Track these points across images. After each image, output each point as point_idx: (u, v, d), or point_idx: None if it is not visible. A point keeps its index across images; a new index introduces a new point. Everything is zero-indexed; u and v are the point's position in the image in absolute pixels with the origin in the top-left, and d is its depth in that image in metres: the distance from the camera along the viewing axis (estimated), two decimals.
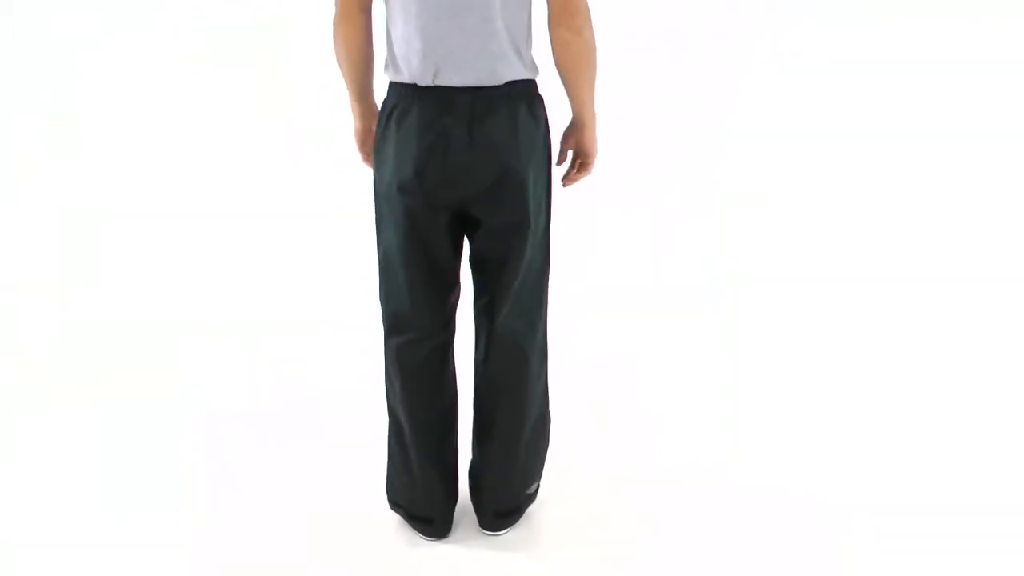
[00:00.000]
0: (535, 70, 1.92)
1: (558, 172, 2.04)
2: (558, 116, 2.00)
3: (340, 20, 1.91)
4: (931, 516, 1.92)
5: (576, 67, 1.91)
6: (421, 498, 2.05)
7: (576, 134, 2.00)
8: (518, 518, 2.15)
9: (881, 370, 2.35)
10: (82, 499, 1.71)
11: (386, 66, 1.89)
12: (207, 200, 2.56)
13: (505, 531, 2.12)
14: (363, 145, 2.04)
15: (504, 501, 2.11)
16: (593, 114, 2.01)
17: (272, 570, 1.69)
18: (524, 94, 1.90)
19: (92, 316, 2.17)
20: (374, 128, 1.98)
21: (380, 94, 1.92)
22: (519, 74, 1.89)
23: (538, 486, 2.18)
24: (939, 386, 2.29)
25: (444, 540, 2.05)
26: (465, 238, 1.98)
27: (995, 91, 3.95)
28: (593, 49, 1.92)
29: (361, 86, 1.97)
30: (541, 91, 1.91)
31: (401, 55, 1.87)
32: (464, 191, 1.86)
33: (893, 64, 4.29)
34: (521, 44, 1.91)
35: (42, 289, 2.24)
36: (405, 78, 1.86)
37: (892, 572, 1.79)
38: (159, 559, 1.62)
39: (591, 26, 1.91)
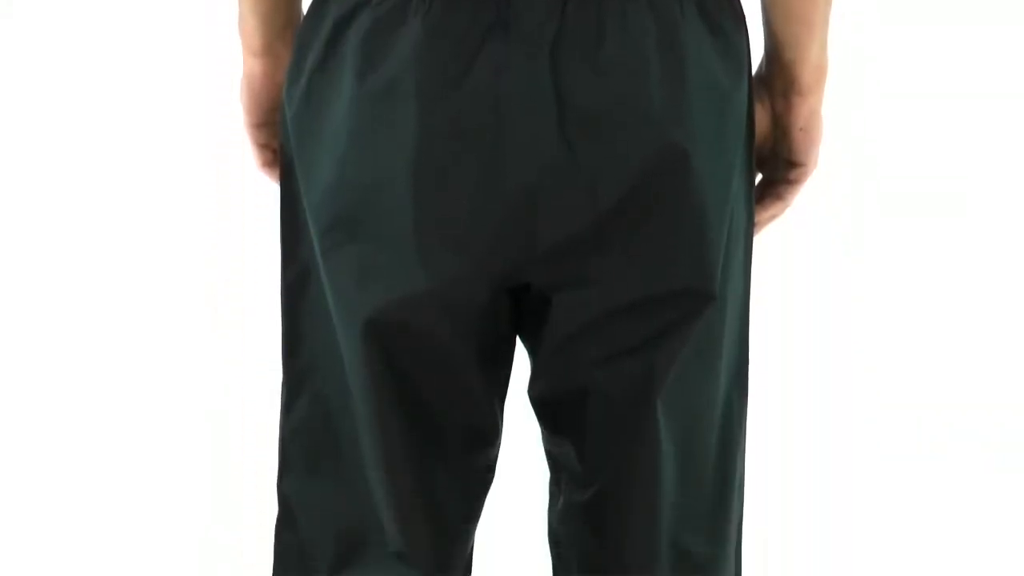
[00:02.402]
0: None
1: None
2: None
3: None
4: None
5: None
6: None
7: (781, 102, 0.94)
8: None
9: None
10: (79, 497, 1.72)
11: None
12: (205, 198, 2.56)
13: None
14: (256, 113, 1.05)
15: None
16: (825, 63, 0.93)
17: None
18: None
19: (90, 313, 2.16)
20: (281, 77, 0.94)
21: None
22: None
23: None
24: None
25: None
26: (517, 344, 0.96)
27: None
28: None
29: None
30: None
31: None
32: (545, 232, 0.84)
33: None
34: None
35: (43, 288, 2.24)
36: None
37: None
38: (154, 561, 1.62)
39: None
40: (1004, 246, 1.86)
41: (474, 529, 1.00)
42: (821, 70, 0.93)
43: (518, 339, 0.95)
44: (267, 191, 1.48)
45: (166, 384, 1.97)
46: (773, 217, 1.00)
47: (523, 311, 0.91)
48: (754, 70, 0.93)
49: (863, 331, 1.80)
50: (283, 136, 0.93)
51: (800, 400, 1.76)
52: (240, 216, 2.41)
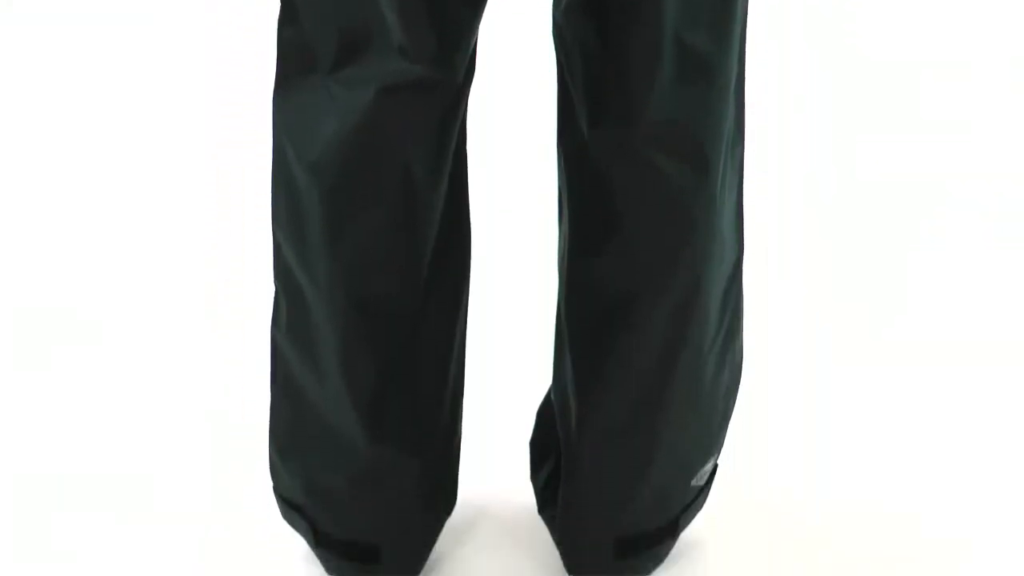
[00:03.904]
0: None
1: None
2: None
3: None
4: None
5: None
6: (353, 499, 1.10)
7: None
8: (671, 547, 1.14)
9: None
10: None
11: None
12: (205, 198, 2.56)
13: None
14: None
15: (642, 512, 1.09)
16: None
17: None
18: None
19: (89, 312, 2.16)
20: None
21: None
22: None
23: (716, 465, 1.18)
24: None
25: None
26: None
27: None
28: None
29: None
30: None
31: None
32: None
33: None
34: None
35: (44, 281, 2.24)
36: None
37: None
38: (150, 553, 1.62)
39: None
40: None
41: (476, 29, 1.04)
42: None
43: None
44: (267, 191, 1.49)
45: (165, 384, 1.97)
46: None
47: None
48: None
49: (862, 104, 1.79)
50: None
51: (796, 169, 1.75)
52: (240, 216, 2.41)
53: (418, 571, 1.12)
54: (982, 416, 1.62)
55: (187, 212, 2.50)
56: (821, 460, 1.58)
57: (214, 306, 2.17)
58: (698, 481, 1.13)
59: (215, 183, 2.59)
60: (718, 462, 1.16)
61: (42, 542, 1.64)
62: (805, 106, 1.93)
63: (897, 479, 1.55)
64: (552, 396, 1.14)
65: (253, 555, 1.65)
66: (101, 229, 2.43)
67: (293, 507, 1.20)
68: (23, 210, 2.48)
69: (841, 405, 1.70)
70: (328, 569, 1.17)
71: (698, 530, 1.24)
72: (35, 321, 2.12)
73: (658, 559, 1.12)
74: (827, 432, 1.65)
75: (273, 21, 1.22)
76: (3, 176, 2.60)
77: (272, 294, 1.21)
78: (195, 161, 2.67)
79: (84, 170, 2.63)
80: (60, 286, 2.24)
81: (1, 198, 2.51)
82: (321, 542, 1.16)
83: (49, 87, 2.91)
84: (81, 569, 1.59)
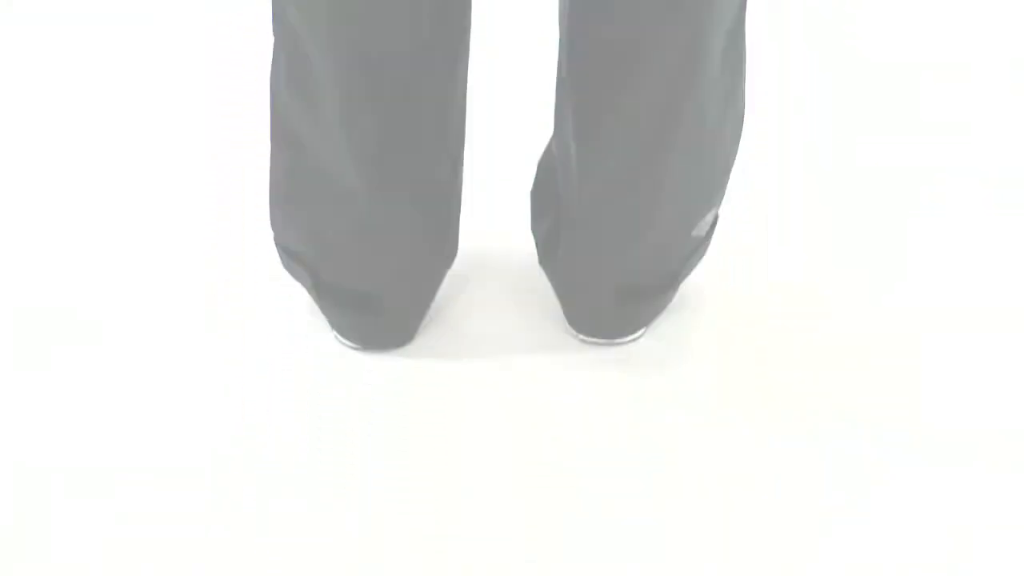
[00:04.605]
0: None
1: None
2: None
3: None
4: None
5: None
6: (354, 246, 1.12)
7: None
8: (671, 298, 1.14)
9: None
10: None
11: None
12: (205, 198, 2.56)
13: (639, 333, 1.14)
14: None
15: (643, 261, 1.09)
16: None
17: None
18: None
19: (88, 312, 2.16)
20: None
21: None
22: None
23: (717, 216, 1.17)
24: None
25: (443, 352, 1.13)
26: None
27: None
28: None
29: None
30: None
31: None
32: None
33: None
34: None
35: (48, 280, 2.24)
36: None
37: None
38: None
39: None
40: None
41: None
42: None
43: None
44: (267, 191, 1.50)
45: (165, 384, 1.97)
46: None
47: None
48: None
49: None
50: None
51: (796, 168, 1.75)
52: (240, 216, 2.41)
53: (419, 321, 1.14)
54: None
55: (187, 212, 2.50)
56: (821, 210, 1.58)
57: (214, 306, 2.17)
58: (699, 232, 1.11)
59: (215, 183, 2.58)
60: (719, 213, 1.15)
61: (42, 542, 1.64)
62: (805, 106, 1.94)
63: (893, 252, 1.56)
64: (553, 147, 1.11)
65: (253, 555, 1.65)
66: (101, 229, 2.43)
67: (293, 256, 1.20)
68: (23, 210, 2.48)
69: (842, 164, 1.69)
70: (331, 321, 1.19)
71: (698, 283, 1.23)
72: (35, 321, 2.12)
73: (658, 308, 1.12)
74: (829, 183, 1.64)
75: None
76: (3, 176, 2.59)
77: (271, 47, 1.14)
78: (195, 161, 2.67)
79: (84, 170, 2.63)
80: (60, 286, 2.23)
81: (1, 198, 2.51)
82: (323, 291, 1.17)
83: (49, 87, 2.91)
84: (81, 569, 1.60)
